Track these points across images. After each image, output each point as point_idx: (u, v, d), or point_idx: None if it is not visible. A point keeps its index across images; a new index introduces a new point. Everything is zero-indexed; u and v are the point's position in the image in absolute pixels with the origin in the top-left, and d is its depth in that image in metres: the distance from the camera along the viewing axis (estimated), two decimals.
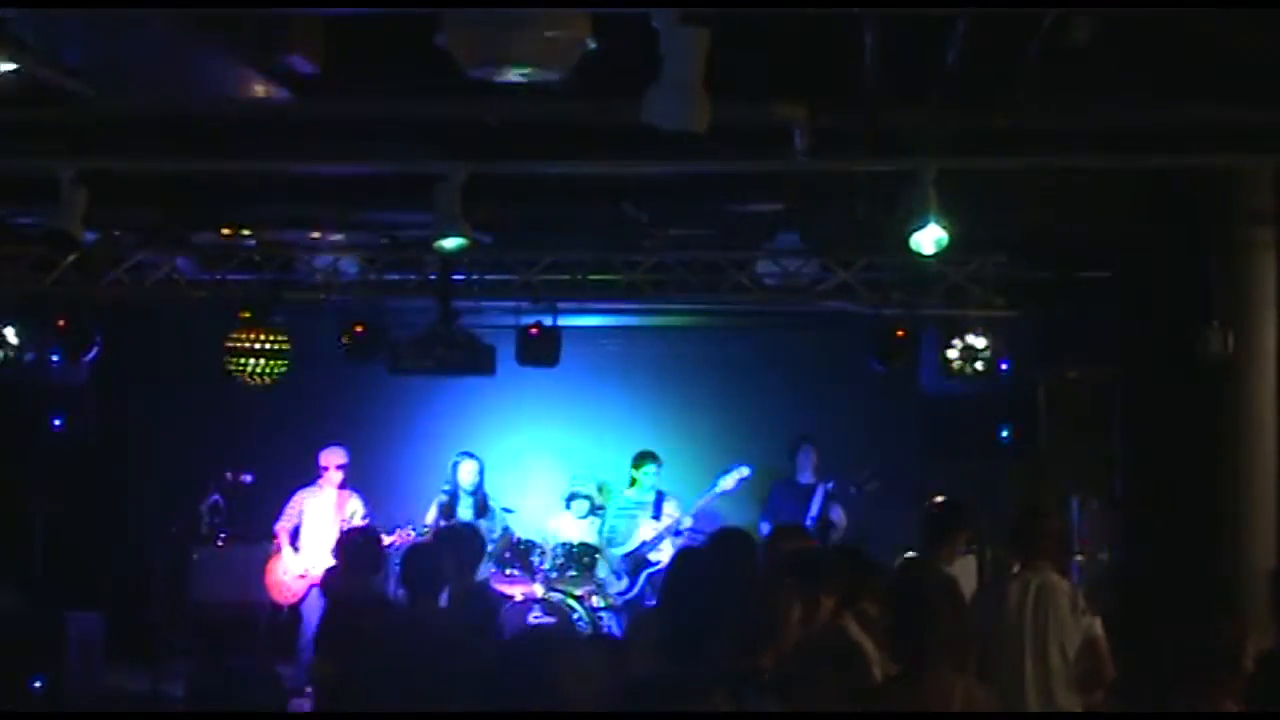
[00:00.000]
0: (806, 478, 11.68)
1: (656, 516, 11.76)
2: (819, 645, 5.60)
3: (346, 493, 11.51)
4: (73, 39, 5.83)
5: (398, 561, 11.17)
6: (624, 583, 11.60)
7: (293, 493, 11.55)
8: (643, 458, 11.93)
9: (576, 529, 11.85)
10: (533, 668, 3.77)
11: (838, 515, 11.35)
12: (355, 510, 11.46)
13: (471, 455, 11.60)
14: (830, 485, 11.53)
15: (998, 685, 6.47)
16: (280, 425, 12.17)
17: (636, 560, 11.63)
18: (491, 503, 11.65)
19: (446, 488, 11.55)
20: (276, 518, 11.46)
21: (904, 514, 8.38)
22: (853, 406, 12.14)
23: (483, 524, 11.49)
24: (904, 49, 6.31)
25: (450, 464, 11.57)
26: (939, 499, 7.76)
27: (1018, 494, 10.92)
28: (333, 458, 11.52)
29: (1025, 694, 6.81)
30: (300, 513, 11.47)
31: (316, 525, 11.31)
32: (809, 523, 11.16)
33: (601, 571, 11.62)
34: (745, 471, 11.70)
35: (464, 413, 12.57)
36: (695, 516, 11.67)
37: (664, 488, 11.90)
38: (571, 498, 12.02)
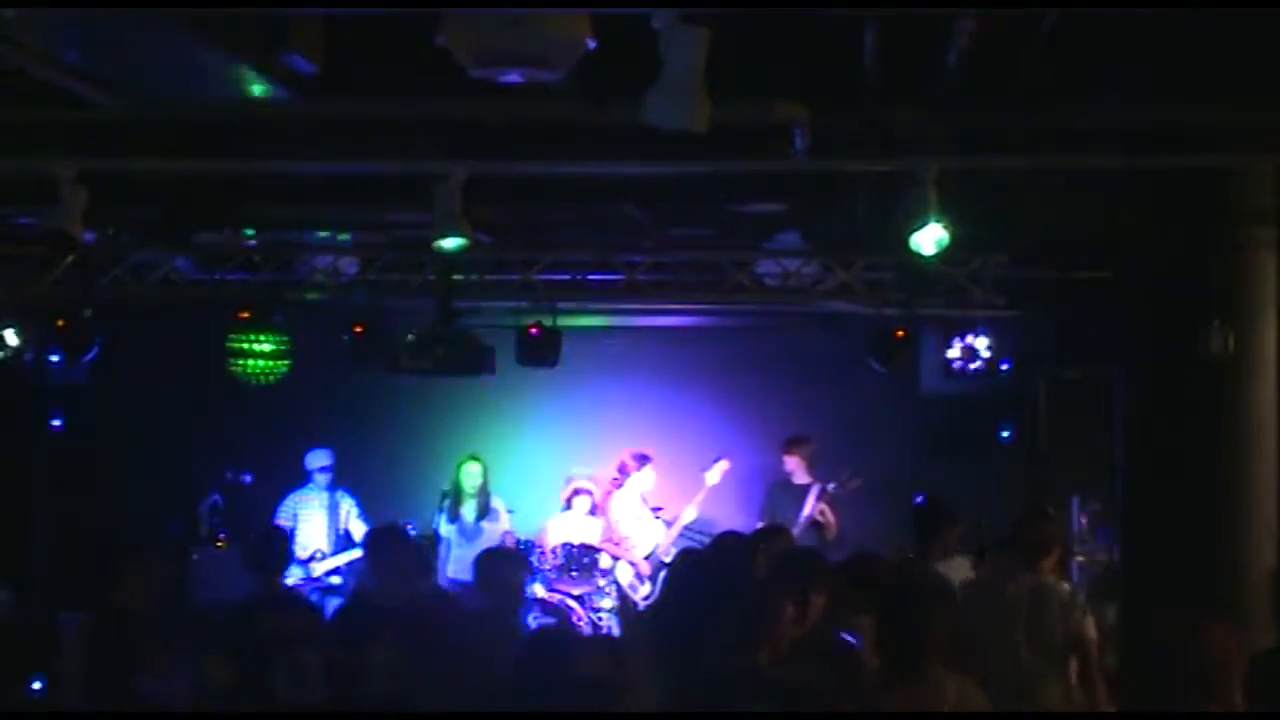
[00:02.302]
0: (801, 478, 11.67)
1: (658, 518, 11.75)
2: (813, 645, 5.61)
3: (338, 493, 11.52)
4: (73, 39, 5.83)
5: None
6: (647, 587, 11.57)
7: (285, 495, 11.57)
8: (644, 459, 11.91)
9: (577, 528, 11.84)
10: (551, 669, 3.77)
11: (826, 515, 11.32)
12: (349, 509, 11.48)
13: (475, 458, 11.60)
14: (830, 486, 11.51)
15: (993, 684, 6.48)
16: (280, 425, 12.18)
17: (654, 564, 11.61)
18: (495, 504, 11.64)
19: (447, 489, 11.55)
20: (273, 520, 11.47)
21: (904, 515, 8.40)
22: (853, 407, 12.13)
23: (485, 525, 11.49)
24: (904, 49, 6.31)
25: (455, 466, 11.57)
26: (923, 497, 7.80)
27: (1018, 494, 10.93)
28: (317, 460, 11.52)
29: (1020, 693, 6.82)
30: (295, 515, 11.49)
31: (310, 528, 11.34)
32: (802, 522, 11.17)
33: (625, 577, 11.61)
34: (725, 464, 11.74)
35: (464, 413, 12.57)
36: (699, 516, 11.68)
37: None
38: (576, 494, 11.98)
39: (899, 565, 7.67)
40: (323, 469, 11.53)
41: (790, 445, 11.74)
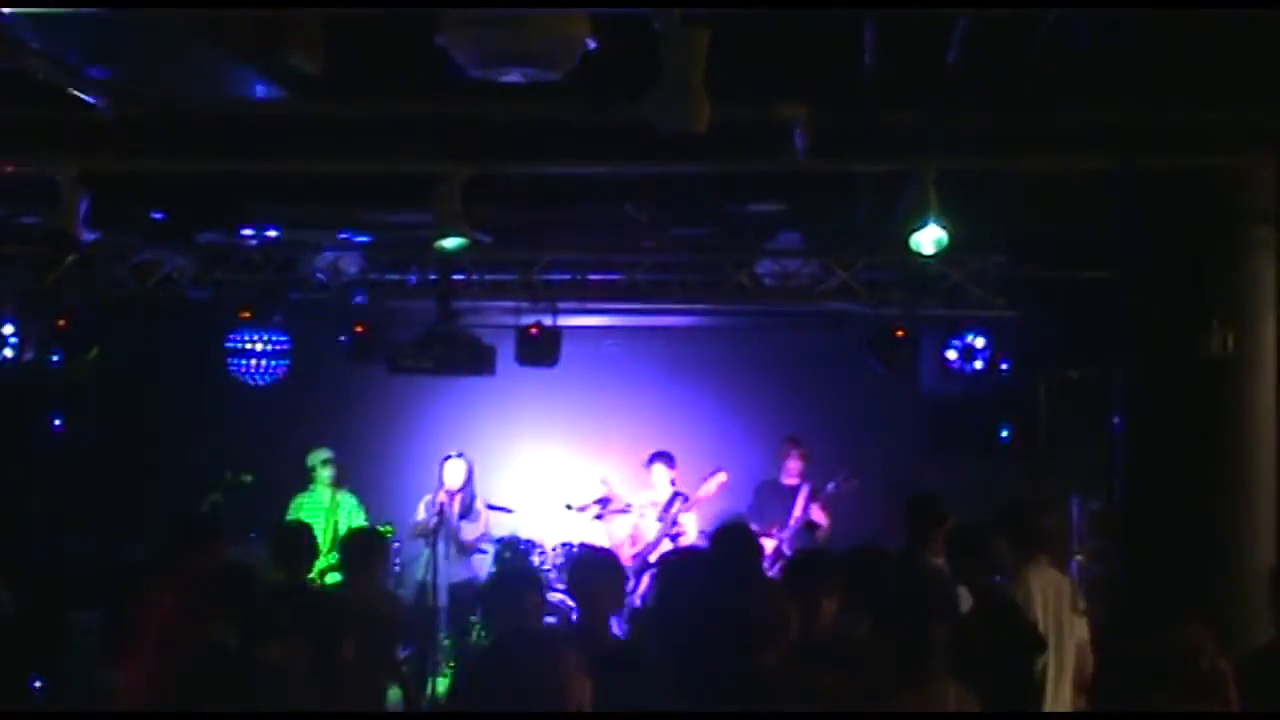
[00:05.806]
0: (790, 478, 11.63)
1: (661, 519, 11.72)
2: (822, 646, 5.59)
3: (341, 492, 11.37)
4: (75, 40, 5.84)
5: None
6: (629, 583, 11.52)
7: (289, 498, 11.50)
8: (655, 458, 11.85)
9: (578, 528, 11.81)
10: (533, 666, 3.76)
11: (819, 516, 11.28)
12: (350, 508, 11.35)
13: (459, 455, 11.45)
14: (816, 485, 11.45)
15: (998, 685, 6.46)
16: (280, 425, 12.16)
17: (641, 563, 11.58)
18: (477, 504, 11.46)
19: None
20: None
21: (903, 514, 8.37)
22: (853, 406, 12.12)
23: (465, 525, 11.30)
24: (904, 49, 6.32)
25: (438, 464, 11.44)
26: (915, 494, 7.78)
27: (1018, 494, 10.92)
28: (318, 457, 11.38)
29: (1039, 694, 6.77)
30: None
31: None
32: (791, 523, 11.14)
33: None
34: (723, 477, 11.58)
35: (464, 413, 12.56)
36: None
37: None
38: (603, 502, 11.93)
39: (898, 562, 7.65)
40: (325, 461, 11.37)
41: (790, 441, 11.69)
